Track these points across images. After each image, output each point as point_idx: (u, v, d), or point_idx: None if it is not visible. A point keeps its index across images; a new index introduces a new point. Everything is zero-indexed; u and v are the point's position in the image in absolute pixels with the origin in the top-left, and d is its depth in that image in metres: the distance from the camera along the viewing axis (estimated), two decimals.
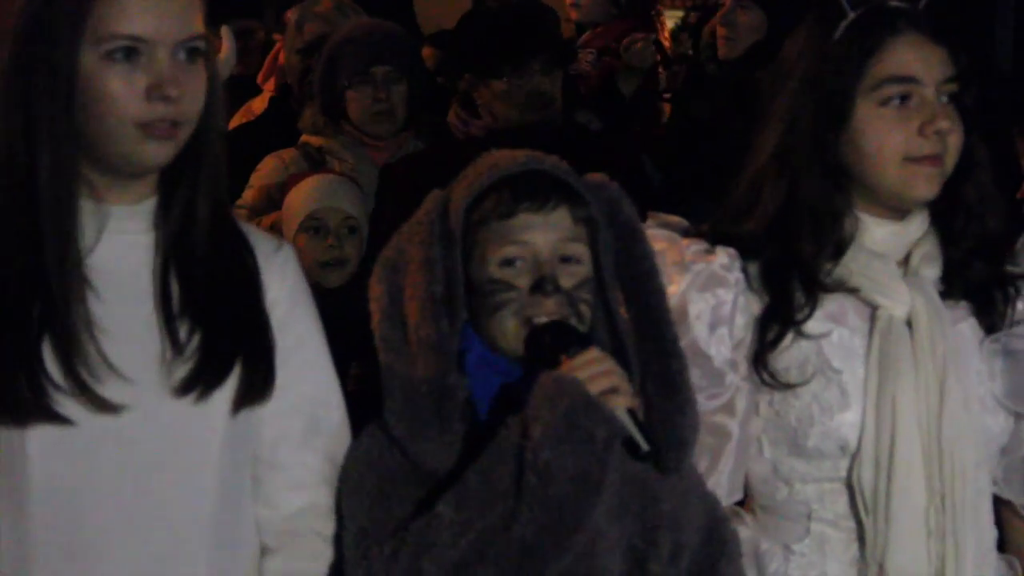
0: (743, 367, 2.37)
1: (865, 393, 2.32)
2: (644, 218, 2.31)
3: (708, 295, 2.35)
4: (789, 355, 2.35)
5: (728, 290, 2.35)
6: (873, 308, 2.36)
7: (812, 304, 2.35)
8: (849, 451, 2.33)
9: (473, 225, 2.17)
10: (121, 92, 2.05)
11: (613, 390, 2.06)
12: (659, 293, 2.20)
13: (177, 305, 2.12)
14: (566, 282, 2.15)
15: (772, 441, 2.38)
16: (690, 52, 5.64)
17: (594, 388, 2.05)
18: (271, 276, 2.21)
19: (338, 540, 2.20)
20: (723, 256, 2.37)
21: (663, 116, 6.00)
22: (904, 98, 2.32)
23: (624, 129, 5.45)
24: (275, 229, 3.82)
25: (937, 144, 2.31)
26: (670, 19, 6.51)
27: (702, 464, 2.33)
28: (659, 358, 2.17)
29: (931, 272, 2.38)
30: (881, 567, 2.31)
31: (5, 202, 2.08)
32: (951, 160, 2.33)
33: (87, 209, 2.11)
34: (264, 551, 2.24)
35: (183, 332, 2.11)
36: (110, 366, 2.06)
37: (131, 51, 2.05)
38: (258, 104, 5.26)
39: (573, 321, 2.14)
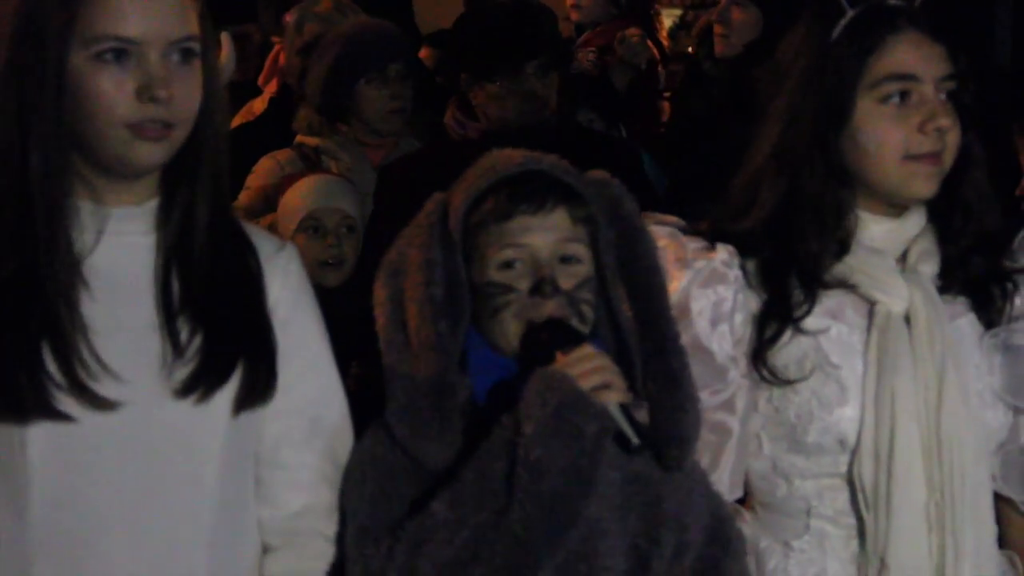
0: (743, 364, 2.37)
1: (864, 388, 2.33)
2: None
3: (709, 291, 2.35)
4: (788, 351, 2.36)
5: (728, 287, 2.36)
6: (871, 304, 2.37)
7: (811, 301, 2.35)
8: (848, 446, 2.34)
9: (472, 228, 2.17)
10: (111, 93, 2.04)
11: (605, 385, 2.06)
12: (661, 290, 2.21)
13: (178, 306, 2.12)
14: (566, 283, 2.15)
15: (771, 437, 2.39)
16: (690, 50, 5.64)
17: (586, 384, 2.05)
18: (273, 277, 2.21)
19: (340, 540, 2.20)
20: (723, 253, 2.37)
21: (663, 115, 6.01)
22: (904, 96, 2.32)
23: (619, 123, 5.45)
24: (271, 230, 3.82)
25: (937, 141, 2.31)
26: (668, 17, 6.52)
27: (703, 462, 2.33)
28: (660, 355, 2.17)
29: (929, 268, 2.39)
30: (882, 562, 2.32)
31: (1, 202, 2.08)
32: (949, 158, 2.34)
33: (87, 210, 2.11)
34: (266, 550, 2.24)
35: (184, 333, 2.11)
36: (104, 366, 2.06)
37: (121, 52, 2.04)
38: (259, 105, 5.26)
39: (575, 322, 2.14)
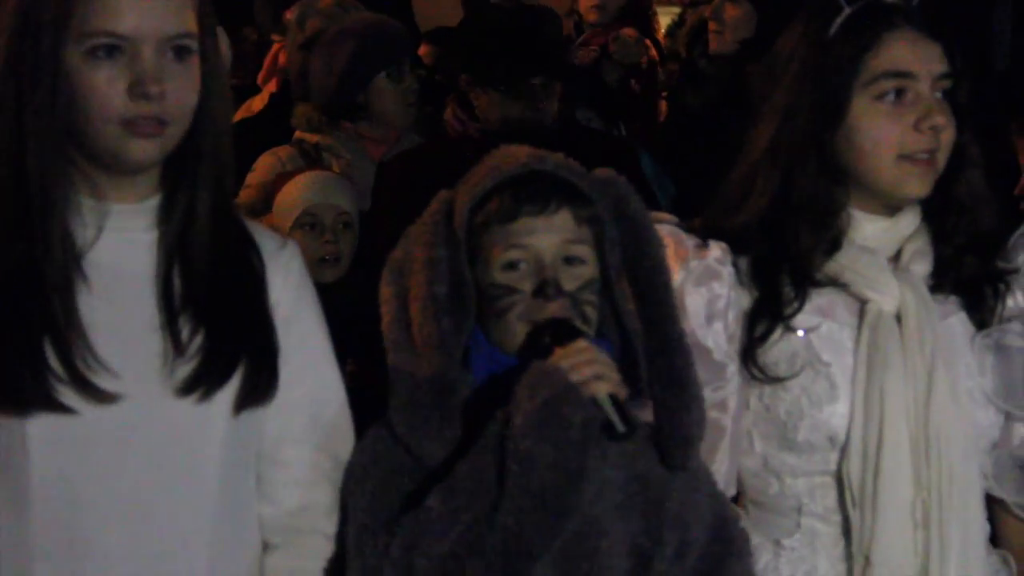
0: (735, 361, 2.37)
1: (854, 385, 2.33)
2: None
3: (703, 289, 2.36)
4: (778, 349, 2.36)
5: (722, 284, 2.36)
6: (862, 303, 2.37)
7: (801, 299, 2.35)
8: (838, 444, 2.34)
9: (477, 227, 2.17)
10: (103, 89, 2.04)
11: (597, 377, 2.06)
12: (666, 289, 2.20)
13: (180, 304, 2.12)
14: (569, 284, 2.15)
15: (762, 435, 2.39)
16: (681, 51, 5.64)
17: (577, 376, 2.05)
18: (275, 274, 2.21)
19: (340, 538, 2.20)
20: (716, 250, 2.38)
21: (662, 115, 6.01)
22: (899, 93, 2.33)
23: (619, 122, 5.45)
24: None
25: (932, 140, 2.32)
26: (666, 15, 6.51)
27: None
28: (665, 355, 2.17)
29: (921, 268, 2.39)
30: (867, 559, 2.32)
31: (1, 196, 2.08)
32: (943, 157, 2.34)
33: (88, 206, 2.11)
34: (266, 548, 2.24)
35: (185, 332, 2.11)
36: (103, 361, 2.06)
37: (114, 48, 2.04)
38: (258, 103, 5.27)
39: (578, 323, 2.14)
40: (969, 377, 2.39)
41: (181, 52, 2.08)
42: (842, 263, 2.36)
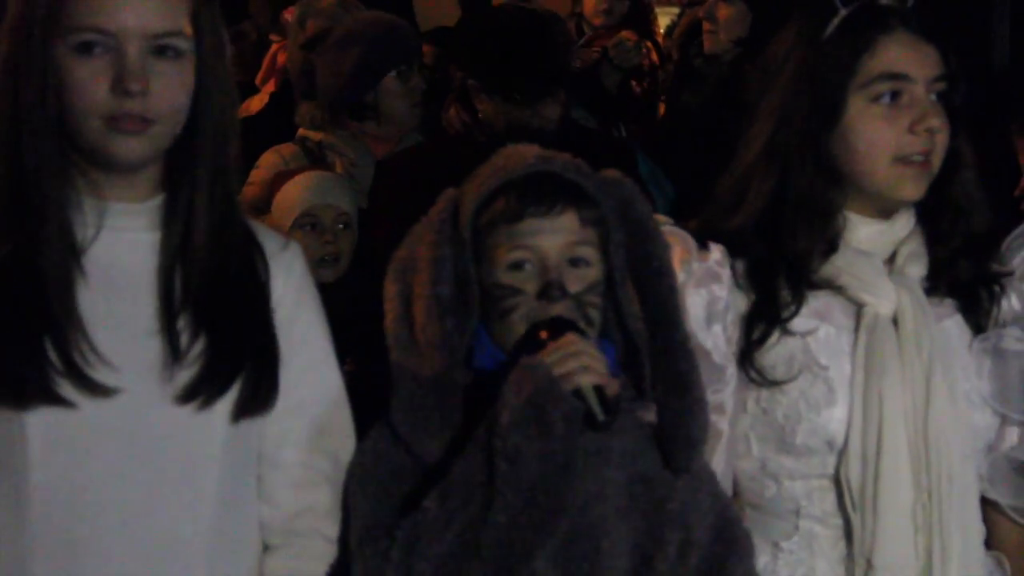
0: (732, 364, 2.37)
1: (852, 389, 2.33)
2: None
3: (703, 291, 2.36)
4: (775, 352, 2.36)
5: (722, 286, 2.37)
6: (859, 306, 2.37)
7: (798, 302, 2.36)
8: (836, 447, 2.34)
9: (482, 227, 2.17)
10: (87, 84, 2.05)
11: (583, 369, 2.06)
12: (671, 291, 2.20)
13: (180, 308, 2.12)
14: (574, 286, 2.15)
15: (760, 438, 2.39)
16: (673, 54, 5.64)
17: (562, 369, 2.05)
18: (277, 275, 2.21)
19: (341, 540, 2.20)
20: (717, 252, 2.38)
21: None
22: (895, 95, 2.33)
23: (617, 123, 5.45)
24: None
25: (927, 142, 2.32)
26: (666, 15, 6.51)
27: None
28: (669, 358, 2.17)
29: (916, 270, 2.39)
30: (869, 563, 2.32)
31: (1, 189, 2.10)
32: (938, 159, 2.34)
33: (88, 204, 2.11)
34: (266, 549, 2.24)
35: (185, 336, 2.11)
36: (100, 357, 2.06)
37: (98, 44, 2.05)
38: (256, 103, 5.27)
39: (581, 325, 2.14)
40: (966, 380, 2.39)
41: (168, 51, 2.08)
42: (838, 266, 2.36)
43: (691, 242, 2.38)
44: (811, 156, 2.35)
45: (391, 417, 2.16)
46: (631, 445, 2.12)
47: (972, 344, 2.41)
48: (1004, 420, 2.42)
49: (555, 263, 2.15)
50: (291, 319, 2.21)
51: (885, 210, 2.39)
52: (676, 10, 6.44)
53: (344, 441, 2.24)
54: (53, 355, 2.05)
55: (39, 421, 2.06)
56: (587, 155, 2.26)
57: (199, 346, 2.11)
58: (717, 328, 2.36)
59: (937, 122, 2.31)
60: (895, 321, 2.35)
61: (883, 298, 2.35)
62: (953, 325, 2.42)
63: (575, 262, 2.16)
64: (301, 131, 4.46)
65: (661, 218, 2.44)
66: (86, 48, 2.05)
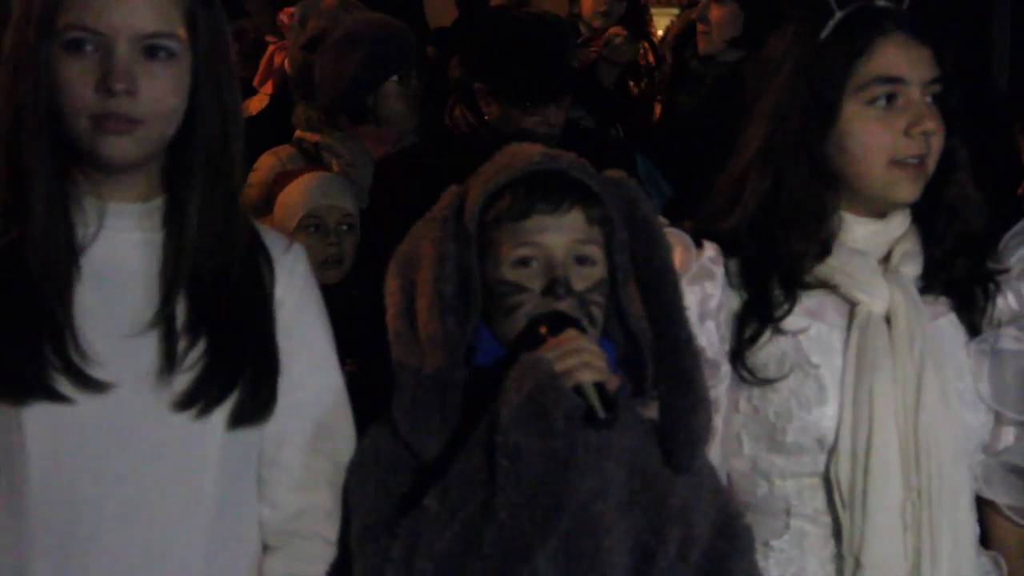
0: (725, 362, 2.37)
1: (843, 387, 2.33)
2: None
3: (696, 288, 2.36)
4: (767, 351, 2.36)
5: (715, 284, 2.37)
6: (852, 305, 2.37)
7: (791, 301, 2.36)
8: (827, 445, 2.34)
9: (488, 224, 2.17)
10: (74, 83, 2.06)
11: (584, 366, 2.06)
12: (674, 290, 2.21)
13: (180, 312, 2.12)
14: (579, 284, 2.15)
15: (751, 437, 2.39)
16: (667, 56, 5.66)
17: (562, 365, 2.05)
18: (280, 276, 2.21)
19: (341, 542, 2.20)
20: (710, 250, 2.38)
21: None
22: (890, 98, 2.33)
23: (615, 123, 5.46)
24: None
25: (922, 145, 2.32)
26: (664, 16, 6.51)
27: None
28: (673, 356, 2.17)
29: (911, 270, 2.39)
30: (857, 561, 2.31)
31: (2, 184, 2.11)
32: (933, 161, 2.34)
33: (89, 204, 2.12)
34: (265, 550, 2.24)
35: (184, 340, 2.11)
36: (96, 354, 2.07)
37: (86, 43, 2.06)
38: (255, 104, 5.26)
39: (584, 323, 2.14)
40: (959, 378, 2.39)
41: (160, 52, 2.08)
42: (832, 266, 2.36)
43: (691, 244, 2.39)
44: (806, 158, 2.35)
45: (391, 416, 2.16)
46: (632, 441, 2.11)
47: (970, 345, 2.41)
48: (999, 420, 2.42)
49: (561, 261, 2.15)
50: (293, 321, 2.21)
51: (880, 211, 2.39)
52: (675, 11, 6.45)
53: (345, 443, 2.24)
54: (50, 352, 2.05)
55: (36, 418, 2.06)
56: (587, 155, 2.26)
57: (198, 350, 2.11)
58: (710, 325, 2.36)
59: (932, 125, 2.32)
60: (888, 320, 2.35)
61: (876, 296, 2.35)
62: (947, 323, 2.42)
63: (581, 260, 2.16)
64: (298, 133, 4.45)
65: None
66: (76, 47, 2.06)
